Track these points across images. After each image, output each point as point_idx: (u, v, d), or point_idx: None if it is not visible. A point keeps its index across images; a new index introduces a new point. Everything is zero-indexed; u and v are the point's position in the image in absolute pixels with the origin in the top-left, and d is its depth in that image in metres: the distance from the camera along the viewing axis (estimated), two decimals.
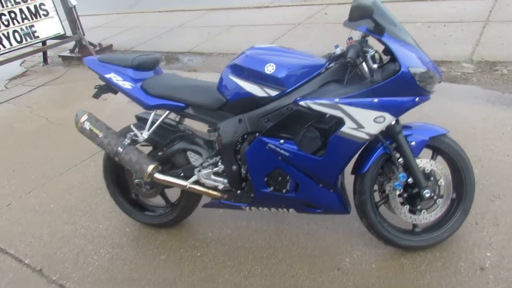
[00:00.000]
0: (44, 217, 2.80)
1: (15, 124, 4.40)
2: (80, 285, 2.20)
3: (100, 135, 2.19)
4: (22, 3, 5.44)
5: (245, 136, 2.01)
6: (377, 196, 2.07)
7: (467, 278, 1.89)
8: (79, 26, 6.17)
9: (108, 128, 2.22)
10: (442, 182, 2.00)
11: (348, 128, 1.80)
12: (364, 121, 1.78)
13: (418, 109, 3.22)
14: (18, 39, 5.46)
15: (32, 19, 5.58)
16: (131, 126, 2.23)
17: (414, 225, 2.08)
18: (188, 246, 2.35)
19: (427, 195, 1.92)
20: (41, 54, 6.43)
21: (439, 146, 1.99)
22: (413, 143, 1.91)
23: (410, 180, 1.94)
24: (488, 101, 3.35)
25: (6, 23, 5.32)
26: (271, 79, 1.88)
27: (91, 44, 6.40)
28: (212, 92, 2.06)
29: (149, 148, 2.33)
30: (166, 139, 2.23)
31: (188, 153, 2.20)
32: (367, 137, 1.82)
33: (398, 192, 1.98)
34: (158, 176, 2.17)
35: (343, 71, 1.83)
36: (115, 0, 11.64)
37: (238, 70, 1.96)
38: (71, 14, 6.10)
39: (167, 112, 2.17)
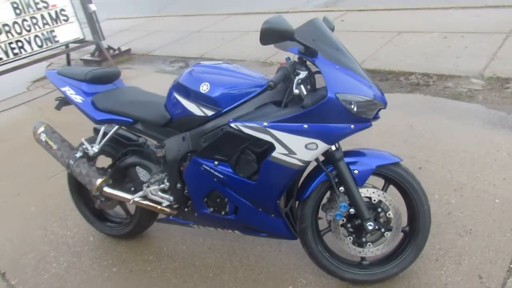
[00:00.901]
0: (22, 221, 2.90)
1: (25, 126, 4.58)
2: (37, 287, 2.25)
3: (54, 147, 2.23)
4: (43, 9, 5.68)
5: (188, 154, 1.97)
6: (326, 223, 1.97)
7: None
8: (99, 31, 6.37)
9: (63, 141, 2.26)
10: (391, 214, 1.86)
11: (279, 154, 1.72)
12: (295, 147, 1.70)
13: (408, 128, 3.11)
14: (39, 43, 5.71)
15: (53, 24, 5.81)
16: (83, 139, 2.25)
17: (362, 258, 1.96)
18: (140, 260, 2.35)
19: (370, 227, 1.80)
20: (65, 56, 6.69)
21: (390, 175, 1.86)
22: (356, 171, 1.79)
23: (352, 210, 1.82)
24: (489, 122, 3.12)
25: (28, 28, 5.58)
26: (205, 98, 1.84)
27: (110, 48, 6.60)
28: (159, 108, 2.05)
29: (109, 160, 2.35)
30: (119, 152, 2.24)
31: (137, 168, 2.20)
32: (300, 163, 1.73)
33: (341, 222, 1.87)
34: (107, 189, 2.18)
35: (283, 92, 1.75)
36: (149, 3, 11.94)
37: (180, 87, 1.94)
38: (91, 19, 6.31)
39: (117, 126, 2.17)
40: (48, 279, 2.33)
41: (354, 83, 1.65)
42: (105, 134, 2.21)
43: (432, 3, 6.12)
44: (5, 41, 5.41)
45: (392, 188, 1.91)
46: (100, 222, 2.54)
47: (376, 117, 1.76)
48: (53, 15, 5.82)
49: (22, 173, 3.55)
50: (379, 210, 1.86)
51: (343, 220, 1.86)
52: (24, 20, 5.54)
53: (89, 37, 6.34)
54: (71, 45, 6.17)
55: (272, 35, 1.55)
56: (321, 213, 1.93)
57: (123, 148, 2.24)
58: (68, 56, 6.71)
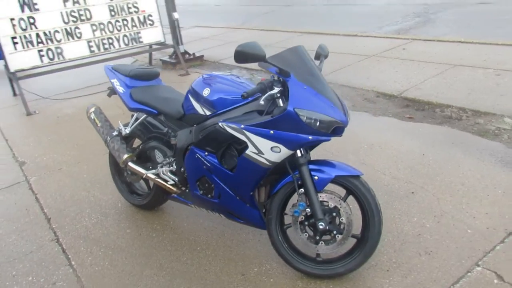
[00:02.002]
0: (75, 183, 3.57)
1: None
2: (65, 235, 2.86)
3: (99, 124, 2.83)
4: (134, 13, 6.59)
5: (191, 144, 2.43)
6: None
7: None
8: (178, 36, 7.17)
9: (106, 121, 2.86)
10: (343, 219, 2.14)
11: (251, 152, 2.10)
12: (263, 148, 2.06)
13: (419, 156, 3.26)
14: (126, 42, 6.62)
15: (140, 27, 6.70)
16: (119, 122, 2.82)
17: (318, 255, 2.25)
18: (150, 227, 2.85)
19: (321, 227, 2.09)
20: (148, 55, 7.61)
21: (348, 186, 2.14)
22: (316, 177, 2.10)
23: (309, 210, 2.14)
24: (501, 161, 3.17)
25: (119, 28, 6.51)
26: (206, 101, 2.28)
27: (187, 52, 7.37)
28: (178, 105, 2.54)
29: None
30: (145, 136, 2.77)
31: (156, 151, 2.70)
32: (268, 163, 2.09)
33: (299, 219, 2.19)
34: (130, 164, 2.72)
35: (266, 103, 2.13)
36: (239, 15, 12.80)
37: (192, 90, 2.41)
38: (173, 26, 7.14)
39: (145, 115, 2.70)
40: (79, 228, 2.92)
41: (314, 102, 1.98)
42: (136, 120, 2.76)
43: (509, 39, 6.01)
44: (99, 37, 6.37)
45: (353, 199, 2.17)
46: (128, 193, 3.09)
47: (337, 134, 2.06)
48: (141, 19, 6.70)
49: (86, 147, 4.26)
50: (334, 214, 2.15)
51: (302, 217, 2.18)
52: (117, 21, 6.47)
53: (169, 41, 7.16)
54: (154, 46, 7.03)
55: (244, 57, 1.94)
56: None
57: (149, 133, 2.76)
58: (150, 55, 7.64)
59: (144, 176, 2.67)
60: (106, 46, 6.48)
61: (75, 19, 6.12)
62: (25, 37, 5.79)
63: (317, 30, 8.56)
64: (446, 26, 7.84)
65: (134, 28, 6.66)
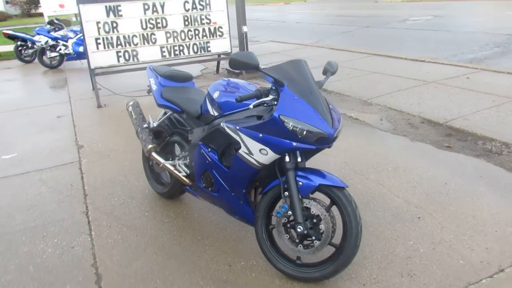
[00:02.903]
0: (120, 168, 4.00)
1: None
2: (94, 210, 3.26)
3: (134, 116, 3.21)
4: (206, 24, 7.12)
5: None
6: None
7: None
8: (245, 48, 7.57)
9: (139, 114, 3.22)
10: (322, 227, 2.24)
11: (243, 152, 2.30)
12: (253, 149, 2.25)
13: (441, 184, 3.20)
14: (195, 50, 7.16)
15: (210, 37, 7.20)
16: (149, 116, 3.17)
17: (298, 257, 2.36)
18: (165, 213, 3.15)
19: (299, 230, 2.21)
20: (216, 64, 8.12)
21: (332, 196, 2.24)
22: (300, 183, 2.23)
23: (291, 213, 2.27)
24: None
25: (190, 37, 7.07)
26: (215, 103, 2.53)
27: None
28: (197, 105, 2.82)
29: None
30: (170, 131, 3.09)
31: (176, 144, 3.00)
32: (257, 164, 2.27)
33: (282, 221, 2.32)
34: (153, 154, 3.05)
35: (258, 109, 2.32)
36: (319, 34, 13.03)
37: (208, 92, 2.67)
38: (241, 38, 7.57)
39: (170, 112, 3.02)
40: (107, 206, 3.31)
41: (301, 112, 2.12)
42: (164, 116, 3.09)
43: None
44: (171, 43, 6.97)
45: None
46: (153, 181, 3.43)
47: (323, 144, 2.17)
48: (212, 30, 7.21)
49: (135, 139, 4.68)
50: (315, 221, 2.25)
51: (285, 220, 2.31)
52: (189, 30, 7.03)
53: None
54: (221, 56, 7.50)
55: (238, 64, 2.14)
56: None
57: (174, 129, 3.07)
58: (218, 64, 8.14)
59: (161, 165, 2.98)
60: (177, 52, 7.06)
61: (152, 26, 6.77)
62: (107, 39, 6.54)
63: (385, 53, 8.47)
64: None
65: (204, 38, 7.17)
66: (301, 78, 2.24)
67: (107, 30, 6.50)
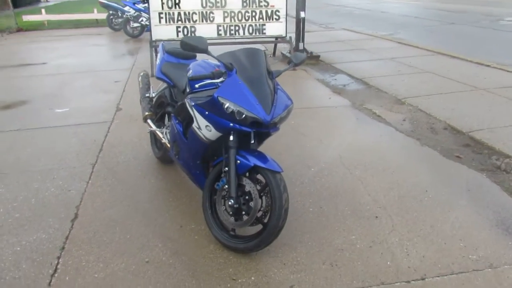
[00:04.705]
0: (137, 132, 4.46)
1: None
2: (101, 163, 3.75)
3: (140, 86, 3.61)
4: (263, 7, 7.32)
5: None
6: None
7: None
8: (300, 34, 7.66)
9: (146, 84, 3.61)
10: (252, 204, 2.43)
11: (195, 126, 2.55)
12: (201, 125, 2.49)
13: (421, 191, 3.14)
14: (250, 31, 7.42)
15: (266, 20, 7.40)
16: (151, 87, 3.54)
17: (233, 229, 2.58)
18: (154, 175, 3.53)
19: (230, 203, 2.43)
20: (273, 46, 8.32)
21: (265, 178, 2.40)
22: (238, 161, 2.43)
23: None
24: (498, 223, 2.85)
25: (247, 18, 7.34)
26: (187, 80, 2.80)
27: (305, 50, 7.82)
28: (184, 81, 3.11)
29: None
30: (166, 102, 3.43)
31: (166, 115, 3.34)
32: (205, 138, 2.52)
33: (222, 193, 2.55)
34: (148, 120, 3.42)
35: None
36: (402, 26, 12.52)
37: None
38: (298, 23, 7.66)
39: (165, 85, 3.35)
40: (111, 161, 3.79)
41: (240, 96, 2.30)
42: (161, 88, 3.44)
43: None
44: (228, 23, 7.31)
45: None
46: (154, 146, 3.82)
47: (262, 129, 2.34)
48: (269, 13, 7.39)
49: None
50: (247, 198, 2.45)
51: (224, 192, 2.53)
52: (246, 11, 7.30)
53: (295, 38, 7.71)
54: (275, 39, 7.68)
55: (187, 47, 2.36)
56: None
57: (169, 100, 3.40)
58: (275, 46, 8.34)
59: (148, 131, 3.35)
60: (232, 32, 7.38)
61: (211, 5, 7.15)
62: (169, 14, 7.07)
63: (452, 53, 7.96)
64: None
65: (260, 20, 7.39)
66: (251, 66, 2.41)
67: (169, 6, 7.02)
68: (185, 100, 2.65)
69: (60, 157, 3.91)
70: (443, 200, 3.09)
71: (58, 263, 2.49)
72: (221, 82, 2.42)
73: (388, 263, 2.44)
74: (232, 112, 2.29)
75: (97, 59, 8.71)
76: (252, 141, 2.46)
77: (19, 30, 13.74)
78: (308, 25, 12.60)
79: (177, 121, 2.84)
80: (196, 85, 2.51)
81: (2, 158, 3.94)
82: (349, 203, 3.06)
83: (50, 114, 5.21)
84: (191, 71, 2.77)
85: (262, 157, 2.45)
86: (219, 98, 2.32)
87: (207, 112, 2.43)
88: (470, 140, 4.17)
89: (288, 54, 7.62)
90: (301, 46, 7.77)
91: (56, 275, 2.40)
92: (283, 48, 8.50)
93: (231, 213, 2.50)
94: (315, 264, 2.44)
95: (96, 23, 14.23)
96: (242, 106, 2.29)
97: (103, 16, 13.39)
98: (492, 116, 4.71)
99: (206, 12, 7.17)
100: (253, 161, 2.39)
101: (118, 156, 3.89)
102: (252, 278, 2.34)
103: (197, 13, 7.15)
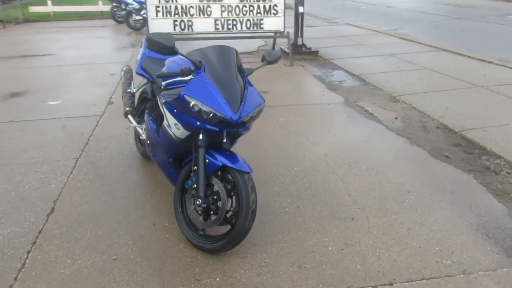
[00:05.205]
0: (125, 127, 4.45)
1: None
2: (85, 157, 3.74)
3: (122, 81, 3.58)
4: (261, 1, 7.24)
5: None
6: None
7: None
8: (299, 29, 7.57)
9: (128, 79, 3.58)
10: (219, 204, 2.39)
11: (165, 124, 2.52)
12: (170, 123, 2.46)
13: (401, 190, 3.09)
14: (248, 26, 7.35)
15: (263, 14, 7.32)
16: (132, 83, 3.51)
17: (203, 229, 2.55)
18: (135, 171, 3.51)
19: (198, 202, 2.39)
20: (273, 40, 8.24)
21: (233, 178, 2.36)
22: (207, 160, 2.38)
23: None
24: (480, 228, 2.79)
25: (244, 12, 7.27)
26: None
27: (304, 45, 7.74)
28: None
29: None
30: (146, 99, 3.40)
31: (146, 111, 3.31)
32: (174, 136, 2.48)
33: (192, 192, 2.51)
34: (129, 116, 3.40)
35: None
36: (407, 22, 12.33)
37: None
38: (297, 18, 7.57)
39: (146, 80, 3.32)
40: (95, 156, 3.77)
41: (207, 94, 2.26)
42: (141, 83, 3.40)
43: None
44: (225, 17, 7.25)
45: None
46: (138, 141, 3.79)
47: (229, 128, 2.30)
48: (266, 8, 7.31)
49: None
50: (215, 197, 2.41)
51: (194, 191, 2.49)
52: (244, 6, 7.23)
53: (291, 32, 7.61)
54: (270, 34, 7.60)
55: (153, 44, 2.31)
56: None
57: (151, 97, 3.37)
58: (274, 41, 8.25)
59: (127, 127, 3.32)
60: (230, 26, 7.32)
61: None
62: (165, 7, 7.03)
63: (454, 49, 7.82)
64: None
65: (258, 15, 7.32)
66: (221, 64, 2.36)
67: None
68: (158, 97, 2.61)
69: (45, 150, 3.92)
70: (424, 201, 3.03)
71: (27, 257, 2.49)
72: (189, 80, 2.37)
73: (358, 266, 2.39)
74: (199, 110, 2.25)
75: (97, 52, 8.71)
76: (225, 140, 2.42)
77: (26, 21, 13.83)
78: (312, 20, 12.51)
79: (151, 118, 2.81)
80: (164, 83, 2.46)
81: None
82: (327, 204, 3.01)
83: (42, 106, 5.22)
84: (164, 67, 2.73)
85: (232, 157, 2.40)
86: (185, 96, 2.27)
87: (175, 110, 2.39)
88: (462, 140, 4.08)
89: (286, 50, 7.52)
90: (299, 41, 7.67)
91: (23, 269, 2.39)
92: (284, 43, 8.39)
93: (199, 212, 2.46)
94: (283, 266, 2.40)
95: (101, 15, 14.24)
96: (208, 104, 2.24)
97: (108, 8, 13.38)
98: (487, 114, 4.61)
99: (203, 6, 7.12)
100: (222, 161, 2.35)
101: (102, 151, 3.88)
102: (217, 279, 2.30)
103: (194, 7, 7.10)
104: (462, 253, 2.49)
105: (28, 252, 2.53)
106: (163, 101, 2.50)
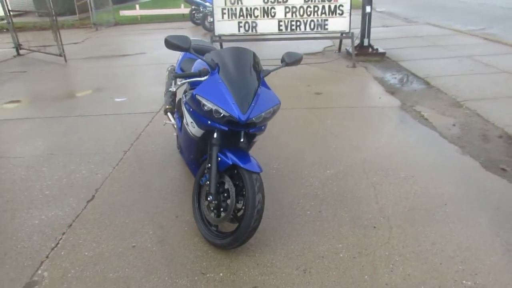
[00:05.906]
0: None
1: None
2: (136, 150, 4.03)
3: (166, 80, 3.79)
4: (326, 2, 7.13)
5: None
6: None
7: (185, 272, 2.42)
8: (366, 29, 7.33)
9: (171, 79, 3.77)
10: (229, 202, 2.44)
11: (184, 122, 2.63)
12: (188, 121, 2.56)
13: (436, 206, 2.91)
14: (312, 26, 7.28)
15: (328, 15, 7.20)
16: (173, 82, 3.69)
17: (216, 226, 2.61)
18: (174, 167, 3.69)
19: (209, 198, 2.47)
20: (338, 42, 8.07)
21: (242, 177, 2.38)
22: (219, 158, 2.45)
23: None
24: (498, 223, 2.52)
25: (309, 13, 7.21)
26: None
27: (370, 46, 7.48)
28: None
29: None
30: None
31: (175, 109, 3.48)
32: (192, 134, 2.58)
33: (207, 188, 2.59)
34: (168, 113, 3.59)
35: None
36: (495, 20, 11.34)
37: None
38: (364, 18, 7.34)
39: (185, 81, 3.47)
40: (141, 149, 4.03)
41: (217, 94, 2.31)
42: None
43: None
44: (289, 18, 7.27)
45: None
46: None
47: (238, 128, 2.34)
48: (332, 8, 7.18)
49: None
50: (225, 194, 2.47)
51: (208, 188, 2.57)
52: (308, 7, 7.18)
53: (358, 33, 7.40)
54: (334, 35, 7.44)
55: (170, 46, 2.42)
56: None
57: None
58: (340, 42, 8.08)
59: (164, 124, 3.50)
60: (293, 27, 7.32)
61: (273, 0, 7.17)
62: (231, 10, 7.25)
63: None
64: None
65: (323, 15, 7.22)
66: (235, 65, 2.41)
67: (232, 1, 7.19)
68: (182, 96, 2.73)
69: (101, 142, 4.27)
70: (460, 216, 2.79)
71: (61, 238, 2.76)
72: (205, 80, 2.45)
73: (366, 277, 2.29)
74: (210, 110, 2.32)
75: (168, 52, 9.14)
76: (242, 139, 2.46)
77: (116, 24, 15.08)
78: (390, 19, 11.99)
79: (178, 115, 2.94)
80: (184, 81, 2.57)
81: (57, 140, 4.41)
82: (351, 210, 2.91)
83: (109, 102, 5.68)
84: (193, 68, 2.85)
85: (243, 156, 2.43)
86: (197, 96, 2.36)
87: (191, 109, 2.49)
88: (505, 135, 3.67)
89: (350, 51, 7.32)
90: (365, 42, 7.42)
91: (55, 249, 2.65)
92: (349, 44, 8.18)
93: (212, 208, 2.53)
94: (288, 268, 2.38)
95: (182, 18, 15.04)
96: (217, 104, 2.30)
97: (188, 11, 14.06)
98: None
99: (267, 8, 7.21)
100: (232, 159, 2.40)
101: (149, 145, 4.13)
102: (221, 274, 2.36)
103: (259, 8, 7.22)
104: (488, 276, 2.27)
105: (63, 233, 2.80)
106: (184, 100, 2.61)
